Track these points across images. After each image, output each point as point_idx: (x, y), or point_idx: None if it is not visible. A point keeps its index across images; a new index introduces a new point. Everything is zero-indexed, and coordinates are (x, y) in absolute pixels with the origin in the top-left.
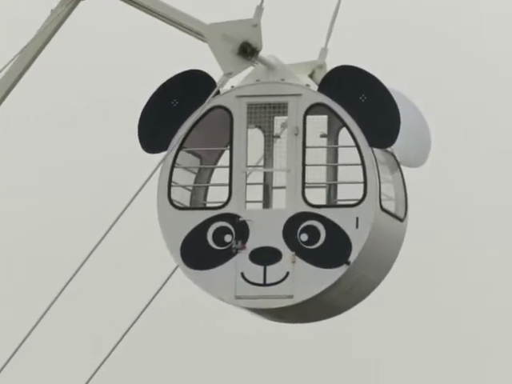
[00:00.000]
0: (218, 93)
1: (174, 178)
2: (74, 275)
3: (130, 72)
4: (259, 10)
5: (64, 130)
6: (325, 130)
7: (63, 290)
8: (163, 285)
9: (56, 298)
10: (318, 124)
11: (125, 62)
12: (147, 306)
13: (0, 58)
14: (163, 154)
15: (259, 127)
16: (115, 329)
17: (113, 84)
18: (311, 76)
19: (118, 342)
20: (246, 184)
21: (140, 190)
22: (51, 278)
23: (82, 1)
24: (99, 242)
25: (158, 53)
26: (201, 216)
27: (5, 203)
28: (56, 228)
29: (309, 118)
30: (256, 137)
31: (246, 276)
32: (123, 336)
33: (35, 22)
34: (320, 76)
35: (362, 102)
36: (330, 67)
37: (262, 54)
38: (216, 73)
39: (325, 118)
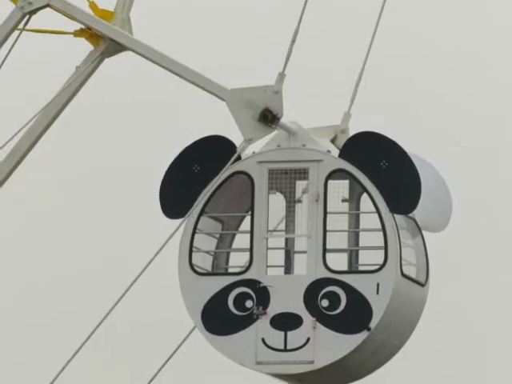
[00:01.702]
0: (238, 158)
1: (195, 243)
2: (89, 336)
3: (149, 134)
4: (281, 76)
5: (88, 188)
6: (346, 195)
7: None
8: (181, 343)
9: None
10: (339, 188)
11: (145, 124)
12: (165, 363)
13: (25, 114)
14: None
15: (281, 191)
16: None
17: (132, 147)
18: (333, 140)
19: None
20: (267, 249)
21: (156, 254)
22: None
23: (107, 58)
24: (115, 304)
25: (181, 113)
26: (222, 282)
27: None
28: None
29: (330, 182)
30: (278, 200)
31: (267, 341)
32: None
33: (61, 77)
34: (342, 140)
35: (383, 168)
36: (352, 132)
37: (284, 119)
38: (236, 136)
39: (346, 182)
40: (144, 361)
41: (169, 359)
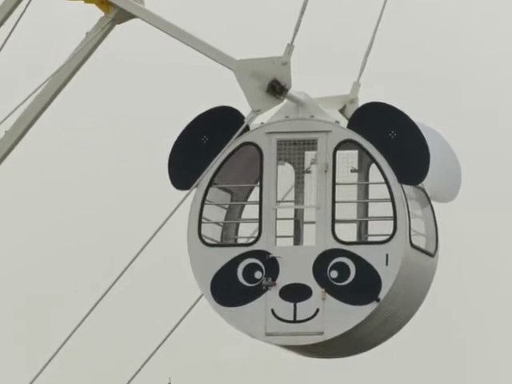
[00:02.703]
0: (247, 129)
1: (204, 214)
2: (95, 305)
3: (159, 102)
4: (290, 47)
5: (97, 153)
6: (355, 165)
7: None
8: (187, 312)
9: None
10: (348, 159)
11: (154, 88)
12: (170, 333)
13: (33, 81)
14: (193, 190)
15: (290, 162)
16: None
17: (138, 117)
18: (343, 110)
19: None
20: (276, 220)
21: (162, 225)
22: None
23: (117, 24)
24: (122, 272)
25: (188, 80)
26: (231, 253)
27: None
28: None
29: (339, 152)
30: (287, 171)
31: (277, 313)
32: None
33: (70, 44)
34: (351, 110)
35: (391, 138)
36: (361, 102)
37: (293, 89)
38: (244, 106)
39: (355, 152)
40: (149, 331)
41: (176, 327)
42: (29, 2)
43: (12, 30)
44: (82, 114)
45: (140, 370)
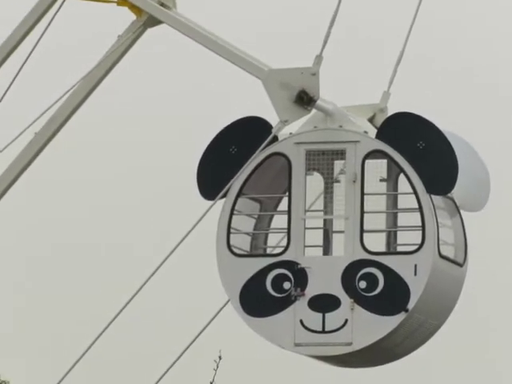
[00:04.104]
0: (275, 139)
1: (233, 224)
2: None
3: (187, 109)
4: (318, 58)
5: (125, 161)
6: (384, 174)
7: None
8: (212, 318)
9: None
10: (377, 168)
11: (180, 97)
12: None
13: (65, 83)
14: (222, 200)
15: (319, 171)
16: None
17: (167, 122)
18: (372, 119)
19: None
20: (305, 230)
21: (188, 233)
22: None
23: (149, 28)
24: (143, 284)
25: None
26: (260, 263)
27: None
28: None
29: (368, 162)
30: (316, 180)
31: (305, 323)
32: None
33: (102, 46)
34: (381, 119)
35: (419, 148)
36: (391, 111)
37: (322, 98)
38: (272, 116)
39: (384, 162)
40: (174, 338)
41: (201, 332)
42: (62, 3)
43: (44, 32)
44: (111, 118)
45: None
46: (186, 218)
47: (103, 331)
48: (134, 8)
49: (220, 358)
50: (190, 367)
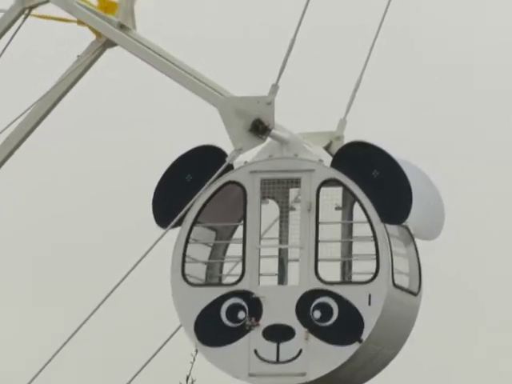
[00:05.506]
0: (231, 167)
1: (188, 253)
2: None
3: (143, 133)
4: (274, 87)
5: (83, 194)
6: (339, 202)
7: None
8: (166, 342)
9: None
10: (333, 195)
11: (136, 123)
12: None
13: (22, 102)
14: (178, 229)
15: (274, 199)
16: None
17: (124, 148)
18: (328, 147)
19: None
20: (260, 259)
21: (138, 262)
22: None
23: (108, 48)
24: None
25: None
26: (214, 293)
27: None
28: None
29: (323, 189)
30: (271, 208)
31: (260, 353)
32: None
33: (61, 66)
34: (337, 147)
35: (374, 177)
36: (347, 139)
37: (279, 123)
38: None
39: (340, 189)
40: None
41: (152, 357)
42: (22, 22)
43: (4, 50)
44: (69, 137)
45: None
46: (140, 247)
47: (81, 325)
48: (93, 28)
49: (197, 351)
50: (167, 360)
